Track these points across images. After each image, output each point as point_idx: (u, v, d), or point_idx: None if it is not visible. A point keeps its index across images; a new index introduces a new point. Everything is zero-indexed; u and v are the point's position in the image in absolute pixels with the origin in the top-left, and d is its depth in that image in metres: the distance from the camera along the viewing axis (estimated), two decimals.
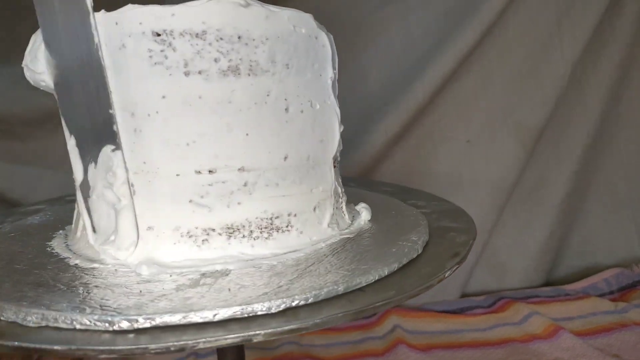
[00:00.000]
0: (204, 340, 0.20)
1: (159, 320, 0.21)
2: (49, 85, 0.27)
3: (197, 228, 0.27)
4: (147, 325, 0.21)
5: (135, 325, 0.21)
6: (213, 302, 0.22)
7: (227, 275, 0.25)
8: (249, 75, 0.27)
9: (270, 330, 0.21)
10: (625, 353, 0.57)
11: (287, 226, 0.29)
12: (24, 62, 0.28)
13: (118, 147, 0.26)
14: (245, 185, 0.27)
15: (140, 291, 0.24)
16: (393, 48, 0.69)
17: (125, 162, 0.26)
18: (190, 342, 0.20)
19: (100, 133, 0.26)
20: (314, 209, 0.31)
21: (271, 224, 0.28)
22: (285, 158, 0.29)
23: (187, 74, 0.26)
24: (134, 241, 0.26)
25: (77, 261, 0.28)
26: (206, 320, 0.21)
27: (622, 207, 0.75)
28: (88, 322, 0.21)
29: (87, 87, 0.25)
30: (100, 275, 0.26)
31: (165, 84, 0.26)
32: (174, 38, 0.25)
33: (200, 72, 0.26)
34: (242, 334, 0.20)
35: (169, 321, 0.21)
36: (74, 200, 0.34)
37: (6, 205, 0.68)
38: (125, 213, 0.26)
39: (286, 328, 0.21)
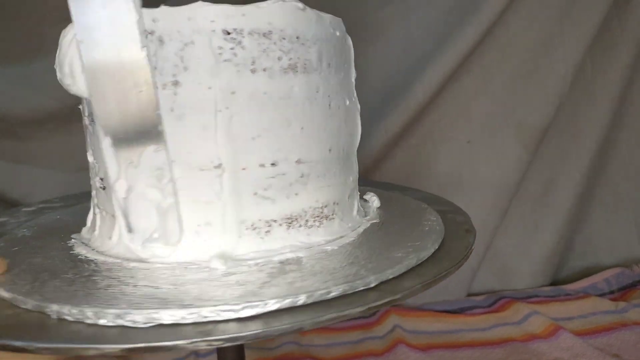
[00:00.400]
0: (329, 316, 0.22)
1: (287, 302, 0.22)
2: (77, 92, 0.27)
3: (260, 220, 0.28)
4: (275, 307, 0.22)
5: (262, 310, 0.22)
6: (318, 284, 0.23)
7: (301, 262, 0.27)
8: (304, 73, 0.29)
9: (378, 302, 0.23)
10: (625, 353, 0.57)
11: (332, 214, 0.31)
12: (55, 64, 0.29)
13: (162, 147, 0.26)
14: (301, 176, 0.29)
15: (238, 281, 0.24)
16: (393, 48, 0.69)
17: (169, 161, 0.26)
18: (313, 320, 0.22)
19: (143, 133, 0.25)
20: (348, 198, 0.33)
21: (322, 213, 0.30)
22: (330, 150, 0.31)
23: (253, 71, 0.27)
24: (178, 238, 0.27)
25: (134, 264, 0.27)
26: (322, 299, 0.23)
27: (623, 207, 0.75)
28: (211, 314, 0.22)
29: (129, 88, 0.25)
30: (174, 273, 0.26)
31: (234, 81, 0.27)
32: (243, 37, 0.27)
33: (265, 70, 0.27)
34: (364, 306, 0.23)
35: (295, 302, 0.22)
36: (54, 208, 0.35)
37: (6, 205, 0.68)
38: (171, 211, 0.26)
39: (386, 300, 0.23)
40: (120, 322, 0.21)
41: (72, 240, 0.32)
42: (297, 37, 0.28)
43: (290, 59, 0.28)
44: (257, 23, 0.27)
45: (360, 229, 0.32)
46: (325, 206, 0.30)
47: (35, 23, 0.61)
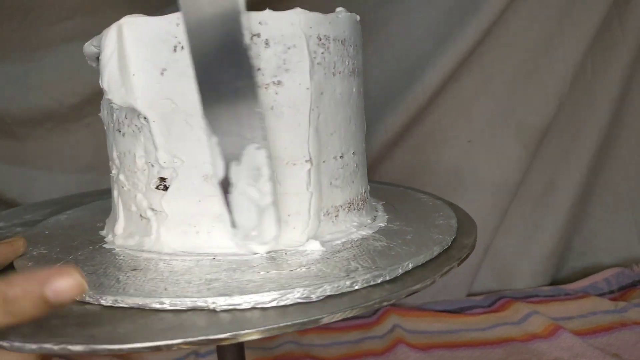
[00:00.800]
0: (446, 269, 0.27)
1: (414, 262, 0.27)
2: (113, 100, 0.29)
3: (332, 206, 0.31)
4: (411, 267, 0.27)
5: (403, 270, 0.26)
6: (419, 249, 0.29)
7: (377, 237, 0.31)
8: (357, 76, 0.33)
9: (463, 257, 0.29)
10: (625, 352, 0.57)
11: (367, 198, 0.36)
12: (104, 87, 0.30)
13: (263, 145, 0.26)
14: (356, 166, 0.33)
15: (354, 255, 0.28)
16: (393, 48, 0.68)
17: (269, 160, 0.27)
18: (440, 272, 0.27)
19: (245, 132, 0.26)
20: (367, 184, 0.37)
21: (364, 197, 0.35)
22: (364, 143, 0.35)
23: (334, 74, 0.30)
24: (276, 236, 0.28)
25: (232, 258, 0.28)
26: (430, 258, 0.28)
27: (623, 207, 0.75)
28: (373, 280, 0.25)
29: (235, 85, 0.26)
30: (286, 258, 0.28)
31: (323, 82, 0.30)
32: (330, 42, 0.30)
33: (340, 73, 0.31)
34: (457, 260, 0.29)
35: (419, 262, 0.28)
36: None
37: (3, 206, 0.68)
38: (269, 209, 0.28)
39: (465, 255, 0.30)
40: (297, 299, 0.23)
41: (116, 249, 0.31)
42: (356, 45, 0.33)
43: (353, 63, 0.32)
44: (338, 31, 0.30)
45: (381, 209, 0.37)
46: (365, 191, 0.35)
47: (33, 22, 0.60)
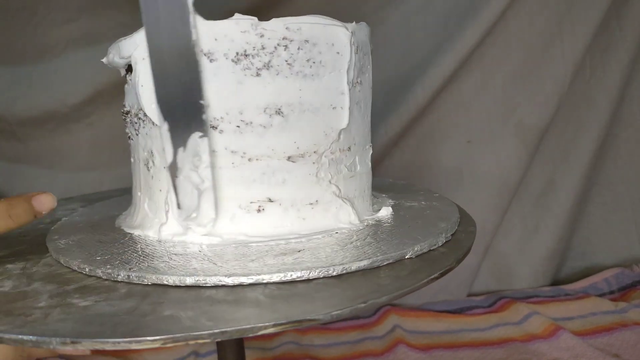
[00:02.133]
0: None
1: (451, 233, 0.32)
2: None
3: (366, 186, 0.36)
4: (456, 229, 0.33)
5: (455, 229, 0.32)
6: (451, 214, 0.35)
7: (412, 203, 0.38)
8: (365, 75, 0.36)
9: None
10: (626, 353, 0.57)
11: None
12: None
13: (205, 134, 0.28)
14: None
15: (426, 214, 0.34)
16: (393, 49, 0.69)
17: (210, 148, 0.29)
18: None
19: (191, 121, 0.28)
20: None
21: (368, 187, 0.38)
22: None
23: (371, 75, 0.36)
24: (212, 219, 0.30)
25: (318, 237, 0.31)
26: (451, 236, 0.32)
27: (623, 208, 0.75)
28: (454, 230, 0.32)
29: (183, 79, 0.28)
30: (366, 231, 0.31)
31: (365, 81, 0.34)
32: (368, 49, 0.35)
33: (367, 72, 0.35)
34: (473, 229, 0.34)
35: (457, 223, 0.34)
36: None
37: None
38: (207, 194, 0.29)
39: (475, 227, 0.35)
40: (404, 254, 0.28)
41: (231, 245, 0.30)
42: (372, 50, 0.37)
43: (368, 66, 0.36)
44: (370, 40, 0.35)
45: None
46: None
47: (38, 24, 0.61)
